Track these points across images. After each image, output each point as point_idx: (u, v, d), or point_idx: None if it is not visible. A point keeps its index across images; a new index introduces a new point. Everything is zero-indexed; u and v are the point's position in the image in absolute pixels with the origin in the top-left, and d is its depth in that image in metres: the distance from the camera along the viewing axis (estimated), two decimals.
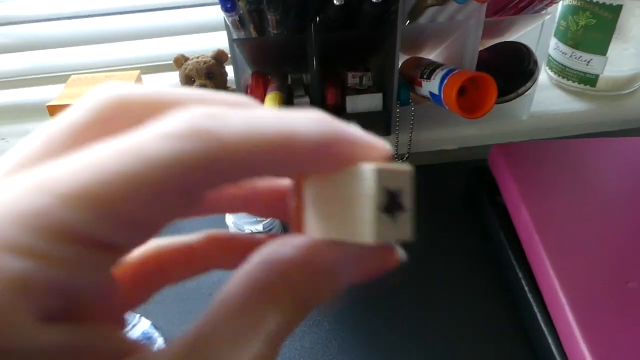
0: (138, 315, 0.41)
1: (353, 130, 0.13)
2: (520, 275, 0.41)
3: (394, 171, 0.13)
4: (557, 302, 0.36)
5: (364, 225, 0.13)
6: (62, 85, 0.56)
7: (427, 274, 0.45)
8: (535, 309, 0.38)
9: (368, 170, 0.13)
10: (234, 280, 0.13)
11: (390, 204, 0.13)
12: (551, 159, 0.48)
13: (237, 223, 0.46)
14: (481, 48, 0.56)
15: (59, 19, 0.59)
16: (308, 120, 0.12)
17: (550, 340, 0.36)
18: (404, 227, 0.13)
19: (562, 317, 0.35)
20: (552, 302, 0.37)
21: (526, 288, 0.40)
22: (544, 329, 0.37)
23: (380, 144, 0.14)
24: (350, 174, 0.13)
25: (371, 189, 0.13)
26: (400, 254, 0.15)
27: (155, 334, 0.41)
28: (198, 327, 0.12)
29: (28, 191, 0.10)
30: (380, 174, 0.13)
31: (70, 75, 0.58)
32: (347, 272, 0.14)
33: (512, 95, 0.50)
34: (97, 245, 0.10)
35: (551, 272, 0.37)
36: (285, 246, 0.13)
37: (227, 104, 0.14)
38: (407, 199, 0.13)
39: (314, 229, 0.15)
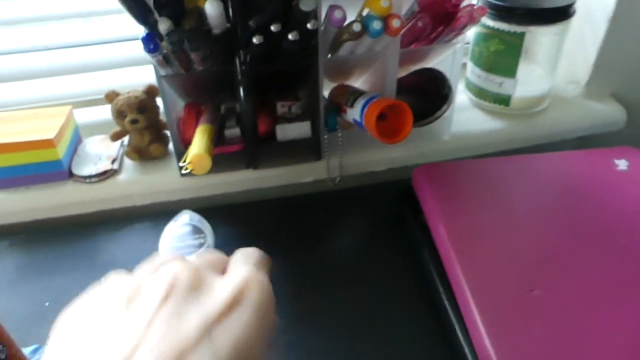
0: None
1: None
2: (440, 289, 0.44)
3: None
4: (470, 312, 0.39)
5: None
6: None
7: (357, 290, 0.48)
8: (454, 321, 0.41)
9: None
10: None
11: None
12: (468, 178, 0.51)
13: (174, 247, 0.47)
14: (406, 73, 0.60)
15: None
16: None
17: (466, 349, 0.39)
18: None
19: (474, 325, 0.38)
20: (466, 313, 0.40)
21: (446, 302, 0.43)
22: (460, 337, 0.40)
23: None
24: None
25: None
26: None
27: None
28: None
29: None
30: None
31: None
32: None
33: (431, 118, 0.54)
34: None
35: (465, 286, 0.40)
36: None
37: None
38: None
39: None
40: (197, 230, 0.48)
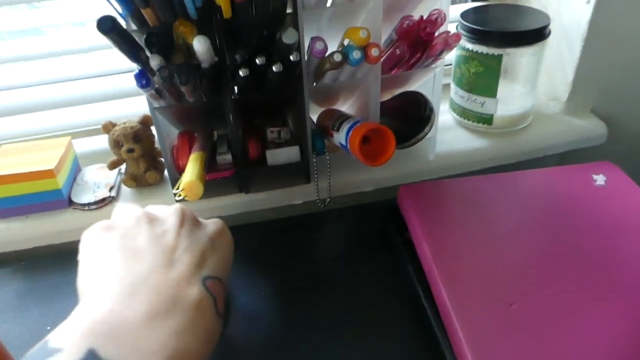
0: None
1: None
2: (425, 304, 0.45)
3: None
4: (453, 326, 0.40)
5: None
6: None
7: (346, 305, 0.49)
8: (438, 335, 0.43)
9: None
10: None
11: None
12: (451, 196, 0.53)
13: None
14: (389, 97, 0.62)
15: None
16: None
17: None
18: None
19: (456, 339, 0.39)
20: (449, 327, 0.41)
21: (430, 317, 0.44)
22: (444, 351, 0.41)
23: None
24: None
25: None
26: None
27: None
28: None
29: None
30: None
31: None
32: None
33: (413, 140, 0.56)
34: None
35: (447, 302, 0.42)
36: None
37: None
38: None
39: None
40: None
